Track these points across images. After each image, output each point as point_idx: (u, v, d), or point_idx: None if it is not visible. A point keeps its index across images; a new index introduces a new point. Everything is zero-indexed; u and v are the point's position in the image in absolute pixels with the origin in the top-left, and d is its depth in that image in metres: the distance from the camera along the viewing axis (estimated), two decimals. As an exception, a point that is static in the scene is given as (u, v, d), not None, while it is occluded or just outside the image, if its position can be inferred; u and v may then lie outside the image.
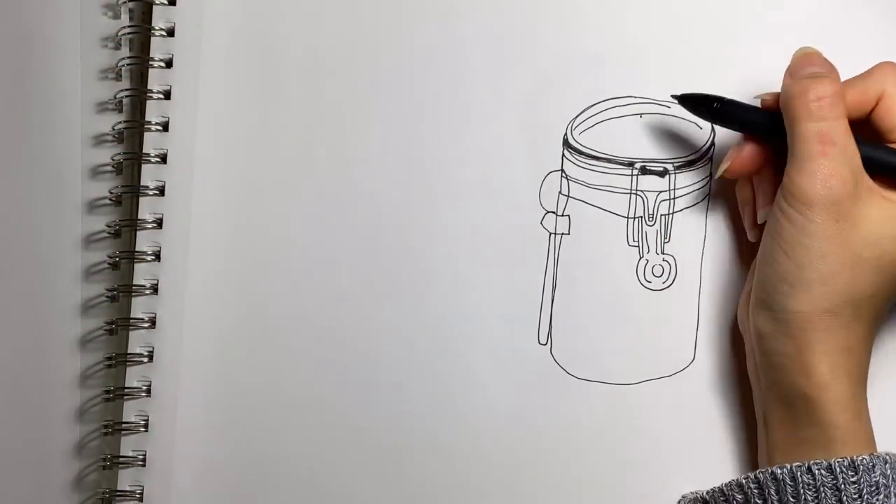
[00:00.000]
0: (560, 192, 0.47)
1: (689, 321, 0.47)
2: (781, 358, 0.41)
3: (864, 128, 0.42)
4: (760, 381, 0.43)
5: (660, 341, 0.47)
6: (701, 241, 0.47)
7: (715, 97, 0.44)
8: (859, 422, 0.40)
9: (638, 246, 0.47)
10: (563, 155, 0.47)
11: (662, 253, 0.47)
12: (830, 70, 0.42)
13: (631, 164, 0.46)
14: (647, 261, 0.47)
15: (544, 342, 0.47)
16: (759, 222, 0.44)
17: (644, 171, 0.46)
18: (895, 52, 0.45)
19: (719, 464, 0.47)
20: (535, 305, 0.47)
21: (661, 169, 0.47)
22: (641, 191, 0.46)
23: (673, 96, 0.45)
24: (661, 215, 0.47)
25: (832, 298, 0.40)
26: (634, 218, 0.47)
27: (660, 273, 0.47)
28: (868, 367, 0.42)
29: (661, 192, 0.47)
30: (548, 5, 0.47)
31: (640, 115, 0.47)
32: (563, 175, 0.47)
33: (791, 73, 0.43)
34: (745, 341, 0.45)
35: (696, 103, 0.45)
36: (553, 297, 0.47)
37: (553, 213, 0.47)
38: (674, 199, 0.47)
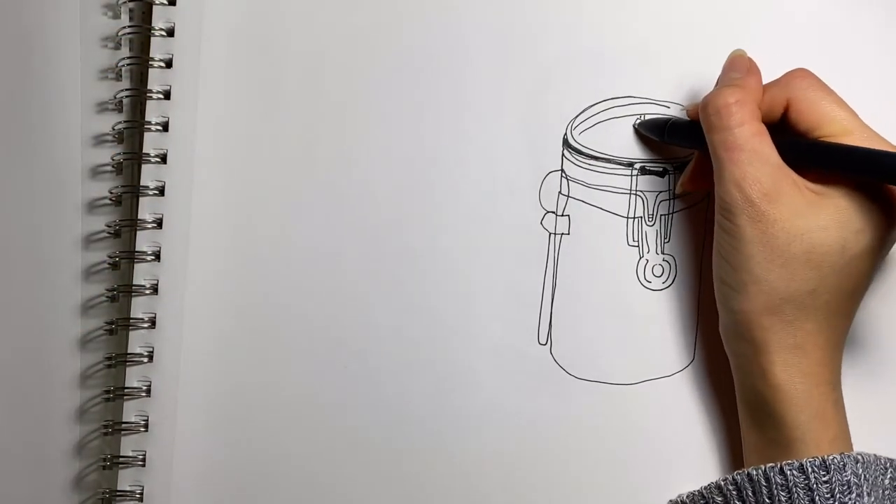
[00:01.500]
0: (560, 192, 0.47)
1: (689, 321, 0.47)
2: (740, 359, 0.42)
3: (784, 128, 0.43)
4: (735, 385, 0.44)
5: (660, 341, 0.47)
6: (701, 241, 0.47)
7: (665, 119, 0.46)
8: (822, 421, 0.41)
9: (638, 246, 0.47)
10: (563, 155, 0.47)
11: (662, 253, 0.47)
12: (749, 72, 0.43)
13: (631, 165, 0.46)
14: (647, 261, 0.47)
15: (544, 342, 0.47)
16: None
17: (644, 171, 0.47)
18: (895, 51, 0.45)
19: (719, 464, 0.47)
20: (535, 305, 0.47)
21: (661, 169, 0.47)
22: (641, 191, 0.47)
23: (634, 126, 0.47)
24: (661, 215, 0.47)
25: (768, 297, 0.40)
26: (634, 218, 0.47)
27: (660, 273, 0.47)
28: (838, 365, 0.42)
29: (660, 192, 0.47)
30: (548, 5, 0.47)
31: (641, 115, 0.47)
32: (563, 175, 0.47)
33: (718, 80, 0.45)
34: None
35: (650, 129, 0.46)
36: (553, 297, 0.47)
37: (553, 213, 0.47)
38: (673, 199, 0.47)
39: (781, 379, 0.41)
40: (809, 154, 0.41)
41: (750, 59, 0.44)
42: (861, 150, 0.40)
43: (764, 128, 0.42)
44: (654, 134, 0.46)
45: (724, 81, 0.44)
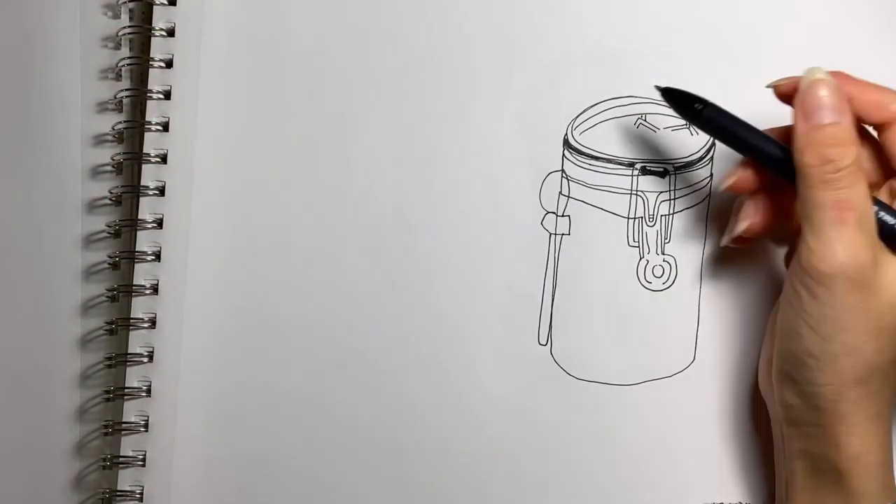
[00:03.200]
0: (560, 193, 0.47)
1: (689, 322, 0.47)
2: (810, 428, 0.40)
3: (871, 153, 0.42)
4: (785, 448, 0.42)
5: (660, 342, 0.47)
6: (701, 242, 0.47)
7: (697, 98, 0.43)
8: (887, 490, 0.39)
9: (638, 246, 0.47)
10: (564, 155, 0.47)
11: (663, 253, 0.47)
12: (843, 113, 0.40)
13: (631, 165, 0.46)
14: (648, 261, 0.47)
15: (544, 343, 0.47)
16: (732, 236, 0.44)
17: (644, 171, 0.46)
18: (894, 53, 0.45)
19: (719, 464, 0.47)
20: (535, 306, 0.47)
21: (662, 169, 0.47)
22: (642, 191, 0.46)
23: (656, 87, 0.44)
24: (662, 216, 0.47)
25: (860, 369, 0.38)
26: (635, 218, 0.47)
27: (660, 273, 0.47)
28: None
29: (661, 192, 0.47)
30: (548, 5, 0.47)
31: (642, 115, 0.47)
32: (564, 175, 0.47)
33: (804, 114, 0.40)
34: (767, 406, 0.44)
35: (679, 101, 0.43)
36: (553, 297, 0.47)
37: (553, 213, 0.47)
38: (674, 199, 0.47)
39: (860, 450, 0.39)
40: None
41: (841, 92, 0.40)
42: None
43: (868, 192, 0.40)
44: (679, 109, 0.43)
45: (817, 129, 0.40)
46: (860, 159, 0.40)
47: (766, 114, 0.47)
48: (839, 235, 0.38)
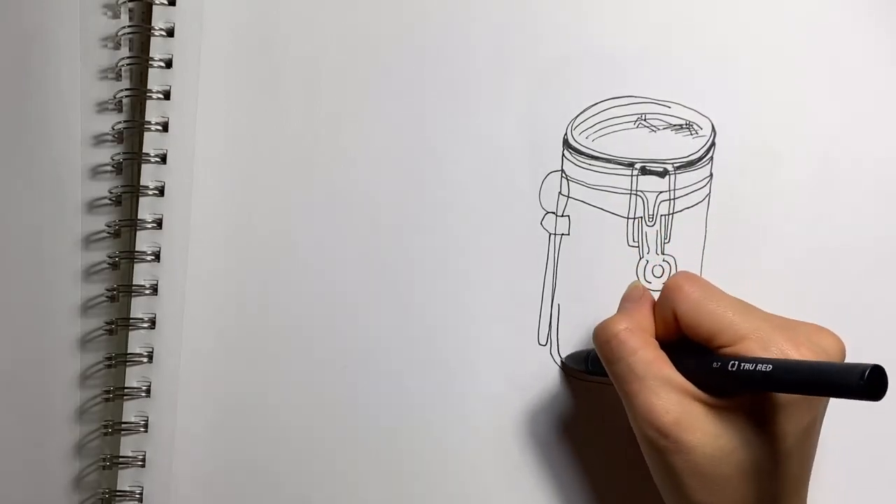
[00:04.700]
0: (560, 193, 0.47)
1: (689, 322, 0.47)
2: None
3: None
4: None
5: (660, 342, 0.47)
6: (701, 242, 0.47)
7: (587, 352, 0.45)
8: None
9: (638, 246, 0.47)
10: (563, 155, 0.47)
11: (662, 253, 0.47)
12: (640, 299, 0.43)
13: (631, 165, 0.46)
14: (647, 261, 0.47)
15: (544, 343, 0.47)
16: None
17: (644, 171, 0.46)
18: (895, 52, 0.45)
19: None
20: (535, 306, 0.47)
21: (662, 169, 0.47)
22: (641, 191, 0.46)
23: (560, 360, 0.46)
24: (661, 216, 0.47)
25: None
26: (634, 218, 0.47)
27: (660, 273, 0.47)
28: None
29: (661, 192, 0.46)
30: (548, 5, 0.47)
31: (642, 115, 0.47)
32: (563, 175, 0.47)
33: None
34: None
35: (575, 362, 0.46)
36: (553, 297, 0.47)
37: (553, 213, 0.47)
38: (674, 199, 0.47)
39: None
40: (712, 380, 0.39)
41: (643, 288, 0.43)
42: (759, 373, 0.36)
43: (660, 352, 0.40)
44: (578, 366, 0.46)
45: (617, 312, 0.43)
46: (636, 330, 0.41)
47: (767, 113, 0.47)
48: (638, 407, 0.39)
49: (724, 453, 0.38)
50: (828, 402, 0.40)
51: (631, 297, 0.43)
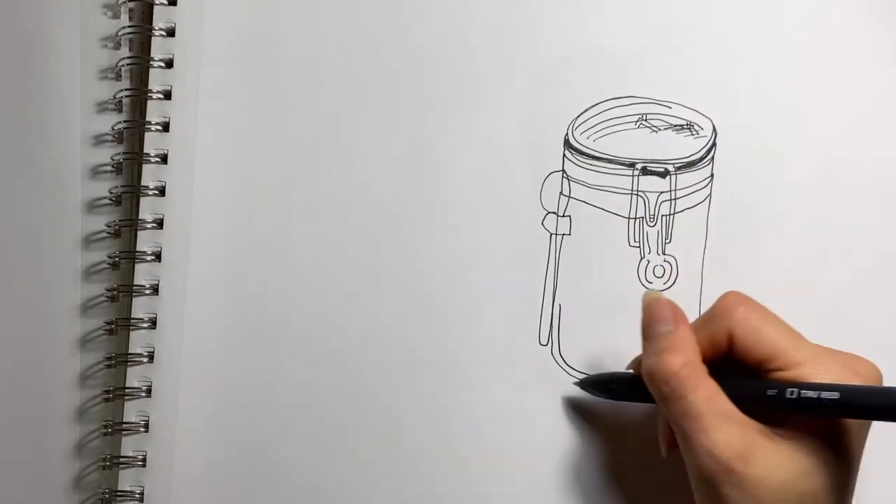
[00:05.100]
0: (561, 193, 0.47)
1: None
2: None
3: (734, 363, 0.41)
4: None
5: (661, 342, 0.47)
6: (702, 242, 0.47)
7: (608, 376, 0.44)
8: None
9: (639, 247, 0.47)
10: (564, 155, 0.47)
11: (663, 254, 0.47)
12: (676, 321, 0.41)
13: (632, 165, 0.46)
14: (648, 261, 0.47)
15: (545, 343, 0.47)
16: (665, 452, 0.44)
17: (645, 171, 0.46)
18: (895, 52, 0.45)
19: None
20: (536, 306, 0.47)
21: (663, 169, 0.47)
22: (642, 191, 0.46)
23: (575, 383, 0.46)
24: (663, 216, 0.47)
25: None
26: (635, 218, 0.47)
27: (661, 274, 0.47)
28: None
29: (662, 192, 0.47)
30: (548, 5, 0.47)
31: (643, 115, 0.47)
32: (564, 175, 0.47)
33: (644, 333, 0.42)
34: None
35: (595, 387, 0.45)
36: (554, 298, 0.47)
37: (554, 213, 0.47)
38: (675, 199, 0.47)
39: None
40: (765, 407, 0.39)
41: (671, 303, 0.42)
42: (826, 401, 0.37)
43: (716, 385, 0.39)
44: (601, 393, 0.45)
45: (653, 337, 0.41)
46: (695, 362, 0.40)
47: (767, 113, 0.47)
48: (700, 444, 0.38)
49: (786, 485, 0.37)
50: (870, 427, 0.40)
51: (662, 318, 0.42)
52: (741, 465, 0.37)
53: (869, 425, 0.40)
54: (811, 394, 0.37)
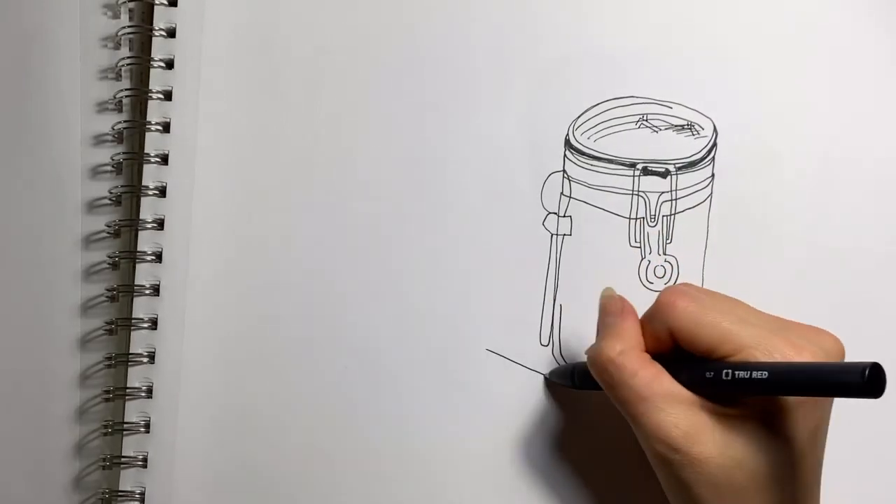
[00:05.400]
0: (562, 193, 0.47)
1: (690, 322, 0.47)
2: None
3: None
4: None
5: (661, 342, 0.47)
6: (703, 242, 0.47)
7: (571, 367, 0.45)
8: None
9: (640, 247, 0.47)
10: (565, 155, 0.47)
11: (664, 254, 0.47)
12: (623, 313, 0.42)
13: (633, 165, 0.46)
14: (649, 262, 0.47)
15: (546, 343, 0.47)
16: None
17: (646, 171, 0.46)
18: (895, 52, 0.45)
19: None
20: (537, 307, 0.47)
21: (663, 170, 0.47)
22: (643, 191, 0.47)
23: (544, 377, 0.47)
24: (663, 216, 0.47)
25: None
26: (636, 219, 0.47)
27: (662, 274, 0.47)
28: None
29: (662, 192, 0.47)
30: (548, 5, 0.47)
31: (644, 115, 0.47)
32: (565, 176, 0.47)
33: (596, 327, 0.43)
34: None
35: (560, 377, 0.46)
36: (555, 298, 0.47)
37: (555, 213, 0.47)
38: (676, 199, 0.47)
39: None
40: (711, 390, 0.39)
41: (621, 298, 0.43)
42: (757, 380, 0.36)
43: (659, 367, 0.39)
44: (565, 382, 0.45)
45: (600, 328, 0.43)
46: (633, 349, 0.40)
47: (767, 113, 0.47)
48: (645, 426, 0.39)
49: (736, 462, 0.38)
50: (832, 403, 0.40)
51: (611, 311, 0.43)
52: (688, 444, 0.38)
53: (828, 404, 0.39)
54: (743, 374, 0.37)
